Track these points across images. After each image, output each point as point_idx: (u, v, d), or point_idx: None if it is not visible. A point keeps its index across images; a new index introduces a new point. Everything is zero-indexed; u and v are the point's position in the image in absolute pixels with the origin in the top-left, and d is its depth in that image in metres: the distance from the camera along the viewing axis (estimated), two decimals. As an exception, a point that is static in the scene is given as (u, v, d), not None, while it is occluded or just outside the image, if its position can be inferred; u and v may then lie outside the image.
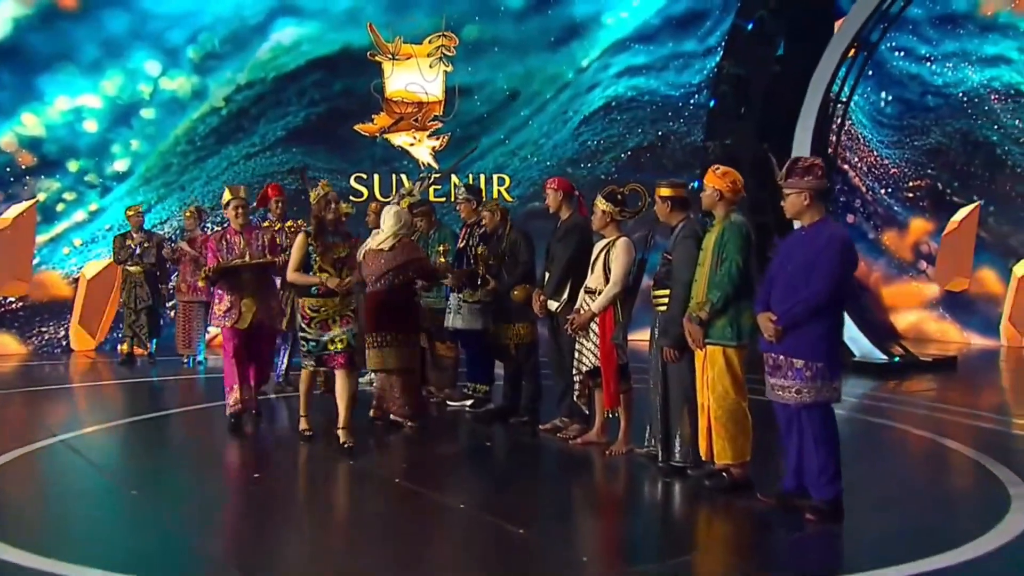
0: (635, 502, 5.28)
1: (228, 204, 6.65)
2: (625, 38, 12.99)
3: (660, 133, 12.98)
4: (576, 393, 5.95)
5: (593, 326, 5.75)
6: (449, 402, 7.51)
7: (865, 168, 13.33)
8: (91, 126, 11.30)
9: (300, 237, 6.04)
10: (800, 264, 4.39)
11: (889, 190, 13.30)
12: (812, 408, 4.38)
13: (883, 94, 13.07)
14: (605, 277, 5.71)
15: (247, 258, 6.47)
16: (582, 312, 5.83)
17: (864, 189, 13.46)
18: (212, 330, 11.24)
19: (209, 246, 6.63)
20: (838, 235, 4.45)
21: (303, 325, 6.00)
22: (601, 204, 5.79)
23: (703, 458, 5.00)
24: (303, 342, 6.05)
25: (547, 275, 6.32)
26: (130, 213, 10.14)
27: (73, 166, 11.29)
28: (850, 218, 13.24)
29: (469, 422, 7.03)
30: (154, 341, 10.33)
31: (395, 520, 4.63)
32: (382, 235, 6.35)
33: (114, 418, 7.34)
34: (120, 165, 11.49)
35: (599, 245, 5.87)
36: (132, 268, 10.04)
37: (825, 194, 4.64)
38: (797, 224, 4.64)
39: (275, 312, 6.94)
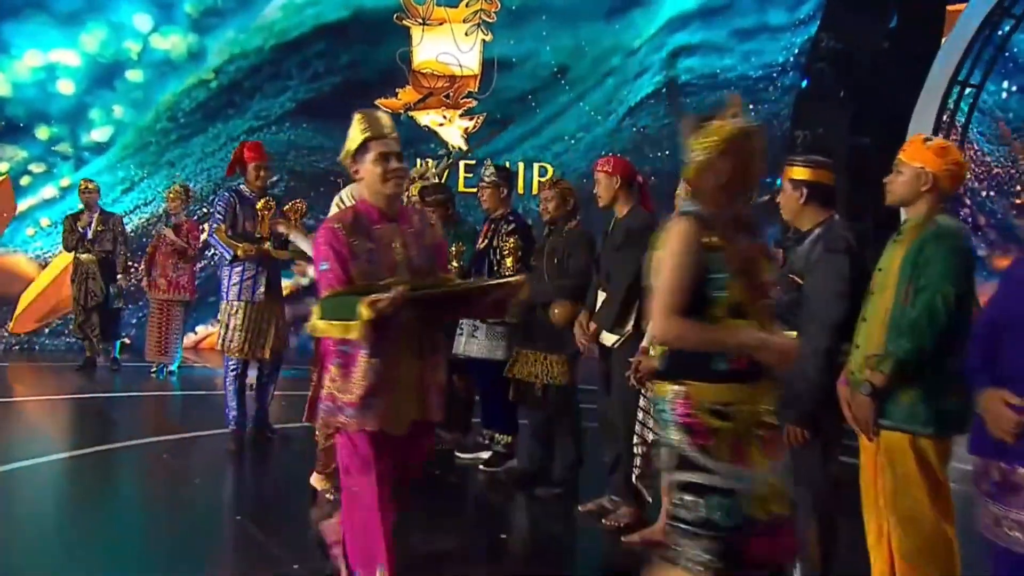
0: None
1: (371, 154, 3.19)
2: (697, 8, 11.02)
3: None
4: (637, 471, 4.07)
5: None
6: (459, 453, 5.68)
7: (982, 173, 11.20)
8: (66, 87, 9.79)
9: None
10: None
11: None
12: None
13: (1005, 84, 10.95)
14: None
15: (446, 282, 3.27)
16: (652, 354, 3.96)
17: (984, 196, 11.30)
18: (201, 329, 9.62)
19: (332, 247, 2.94)
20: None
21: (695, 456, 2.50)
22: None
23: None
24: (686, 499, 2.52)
25: (599, 295, 4.47)
26: (81, 187, 8.44)
27: (43, 133, 9.79)
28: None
29: (482, 486, 5.20)
30: (117, 344, 8.65)
31: None
32: None
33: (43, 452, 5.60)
34: (99, 134, 9.98)
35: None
36: (83, 256, 8.35)
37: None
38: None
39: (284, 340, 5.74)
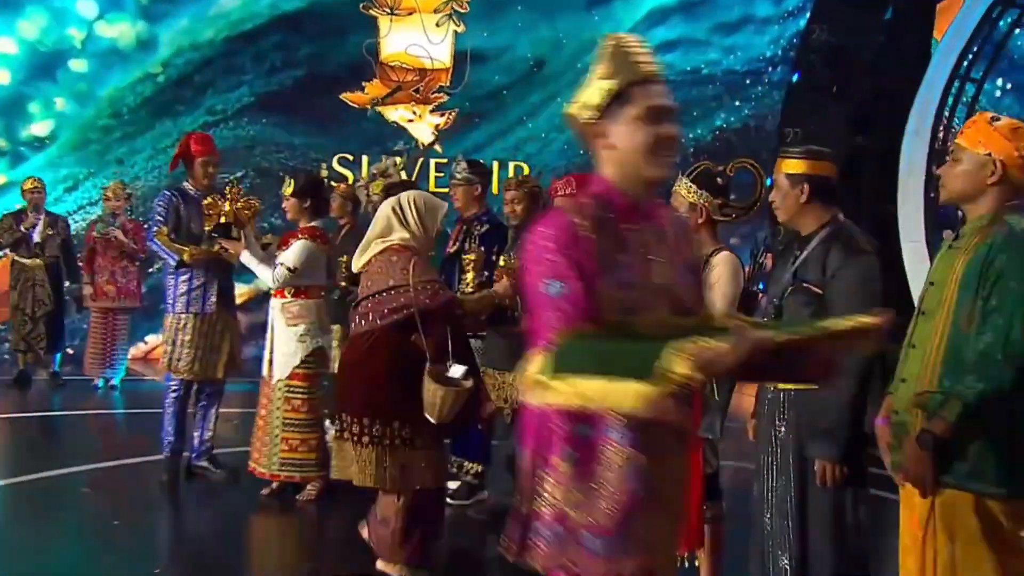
0: None
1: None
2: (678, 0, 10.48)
3: (722, 117, 10.42)
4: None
5: None
6: (424, 483, 5.05)
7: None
8: (2, 77, 9.07)
9: None
10: None
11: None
12: None
13: (1000, 81, 10.52)
14: None
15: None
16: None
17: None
18: (151, 339, 8.89)
19: (570, 255, 1.88)
20: None
21: None
22: (687, 192, 3.34)
23: None
24: None
25: None
26: (27, 187, 7.73)
27: None
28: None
29: (447, 523, 4.56)
30: (57, 356, 7.94)
31: None
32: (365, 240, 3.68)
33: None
34: (39, 128, 9.24)
35: None
36: (27, 261, 7.66)
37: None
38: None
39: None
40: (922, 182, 7.85)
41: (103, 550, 3.97)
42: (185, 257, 4.76)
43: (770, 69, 10.23)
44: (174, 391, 4.89)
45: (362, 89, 10.01)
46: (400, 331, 3.38)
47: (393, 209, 3.53)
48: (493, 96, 10.34)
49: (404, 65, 10.11)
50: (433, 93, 10.24)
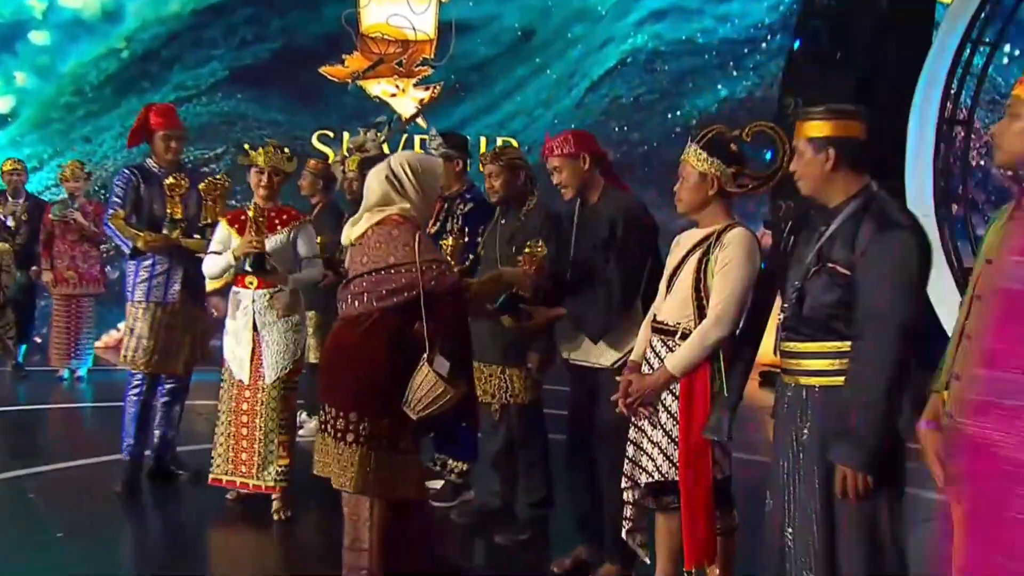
0: None
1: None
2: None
3: (719, 88, 9.98)
4: (628, 523, 3.09)
5: (669, 401, 2.91)
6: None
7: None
8: None
9: None
10: None
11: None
12: None
13: (1007, 48, 10.09)
14: (696, 304, 2.89)
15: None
16: (644, 372, 3.00)
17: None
18: (116, 332, 8.45)
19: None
20: None
21: None
22: (698, 160, 2.94)
23: None
24: None
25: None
26: (6, 168, 7.26)
27: None
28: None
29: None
30: (22, 347, 7.50)
31: None
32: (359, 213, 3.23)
33: None
34: (-1, 105, 8.68)
35: (684, 242, 3.03)
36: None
37: None
38: None
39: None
40: (931, 152, 7.46)
41: (39, 568, 3.52)
42: (139, 244, 4.30)
43: (769, 37, 9.79)
44: (136, 389, 4.48)
45: (342, 62, 9.57)
46: (399, 316, 2.97)
47: (387, 177, 3.09)
48: (479, 68, 9.90)
49: (386, 36, 9.66)
50: (417, 66, 9.81)
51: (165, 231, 4.37)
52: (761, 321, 2.95)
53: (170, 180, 4.31)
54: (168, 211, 4.35)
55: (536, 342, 3.78)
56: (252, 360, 4.06)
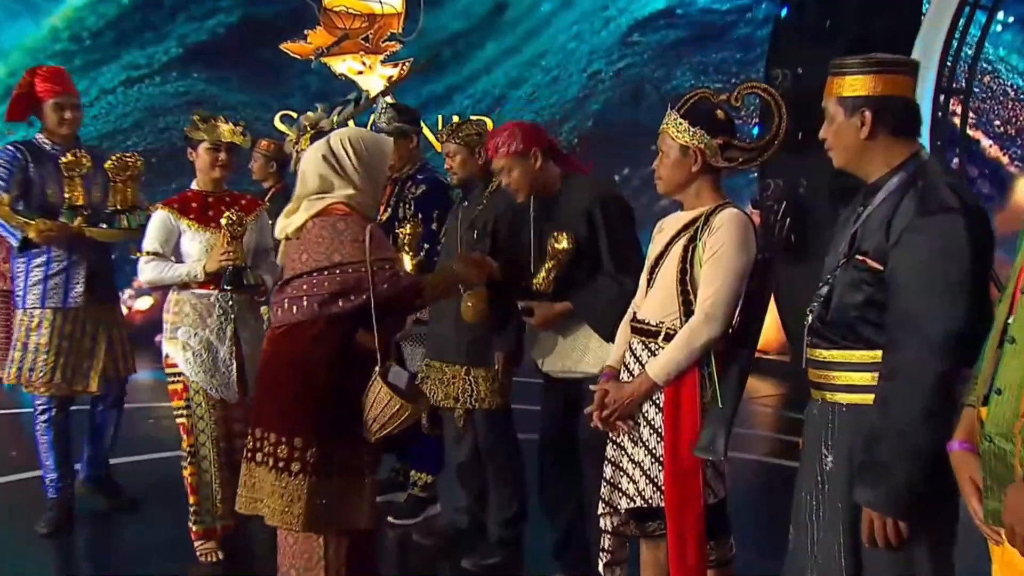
0: None
1: None
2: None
3: (696, 61, 9.49)
4: (604, 555, 2.66)
5: (651, 413, 2.49)
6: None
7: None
8: None
9: None
10: None
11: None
12: None
13: (1000, 15, 9.65)
14: (682, 299, 2.46)
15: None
16: (623, 380, 2.57)
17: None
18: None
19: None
20: None
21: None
22: (678, 131, 2.50)
23: None
24: None
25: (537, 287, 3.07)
26: None
27: None
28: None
29: (390, 548, 3.76)
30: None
31: None
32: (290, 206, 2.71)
33: None
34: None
35: (667, 227, 2.60)
36: None
37: None
38: None
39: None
40: (928, 123, 7.04)
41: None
42: (31, 234, 3.57)
43: (754, 6, 9.31)
44: (44, 415, 3.77)
45: (304, 38, 9.06)
46: (347, 323, 2.50)
47: (324, 157, 2.57)
48: (450, 42, 9.40)
49: (351, 10, 9.15)
50: (384, 41, 9.30)
51: (63, 219, 3.62)
52: (757, 317, 2.53)
53: (67, 158, 3.59)
54: (66, 196, 3.64)
55: (502, 339, 3.35)
56: (240, 378, 3.42)
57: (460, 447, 3.62)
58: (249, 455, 2.55)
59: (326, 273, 2.48)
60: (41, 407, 3.78)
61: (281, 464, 2.46)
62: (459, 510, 3.72)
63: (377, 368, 2.48)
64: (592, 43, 9.60)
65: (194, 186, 3.61)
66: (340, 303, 2.47)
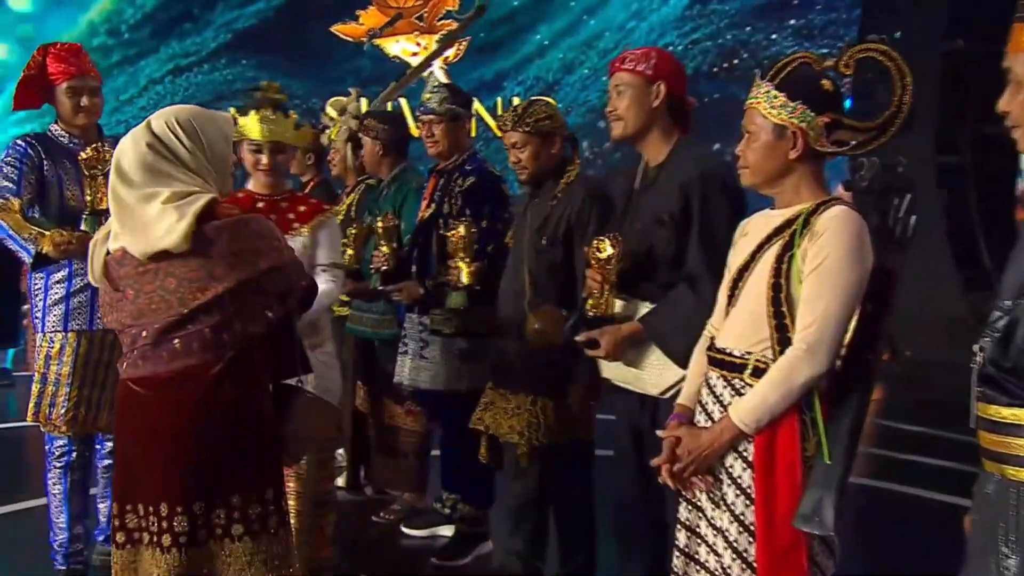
0: None
1: None
2: None
3: (784, 22, 8.77)
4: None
5: (737, 468, 1.98)
6: (407, 528, 3.78)
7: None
8: None
9: None
10: None
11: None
12: None
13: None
14: (776, 324, 1.95)
15: None
16: (699, 424, 2.05)
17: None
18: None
19: None
20: None
21: None
22: (772, 107, 1.96)
23: None
24: None
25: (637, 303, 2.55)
26: None
27: None
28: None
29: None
30: (10, 352, 6.85)
31: None
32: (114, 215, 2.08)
33: None
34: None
35: (755, 230, 2.08)
36: None
37: None
38: None
39: None
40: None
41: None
42: (45, 247, 2.99)
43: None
44: (60, 459, 3.19)
45: (356, 19, 8.67)
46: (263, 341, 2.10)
47: (149, 145, 2.01)
48: (509, 19, 8.90)
49: (404, -12, 8.74)
50: (439, 20, 8.86)
51: (84, 227, 3.09)
52: (874, 347, 1.98)
53: (87, 153, 3.05)
54: (88, 199, 3.10)
55: (579, 366, 2.82)
56: None
57: (519, 484, 3.11)
58: (154, 539, 1.98)
59: (255, 285, 2.02)
60: (59, 449, 3.19)
61: (255, 527, 2.01)
62: (513, 554, 3.22)
63: (296, 380, 2.16)
64: (651, 20, 8.96)
65: (249, 186, 3.00)
66: (269, 315, 2.04)
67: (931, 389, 5.86)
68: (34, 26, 8.03)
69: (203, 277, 1.98)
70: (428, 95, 3.63)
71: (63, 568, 3.17)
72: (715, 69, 8.63)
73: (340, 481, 4.03)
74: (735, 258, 2.11)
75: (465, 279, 3.18)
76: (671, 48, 8.95)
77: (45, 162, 3.16)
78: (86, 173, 3.07)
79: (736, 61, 8.22)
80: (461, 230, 3.15)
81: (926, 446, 4.96)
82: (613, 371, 2.64)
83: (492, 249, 3.23)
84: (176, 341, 1.98)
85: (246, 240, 2.01)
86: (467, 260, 3.15)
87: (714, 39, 8.85)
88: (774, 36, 8.64)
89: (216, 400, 2.01)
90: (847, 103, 2.25)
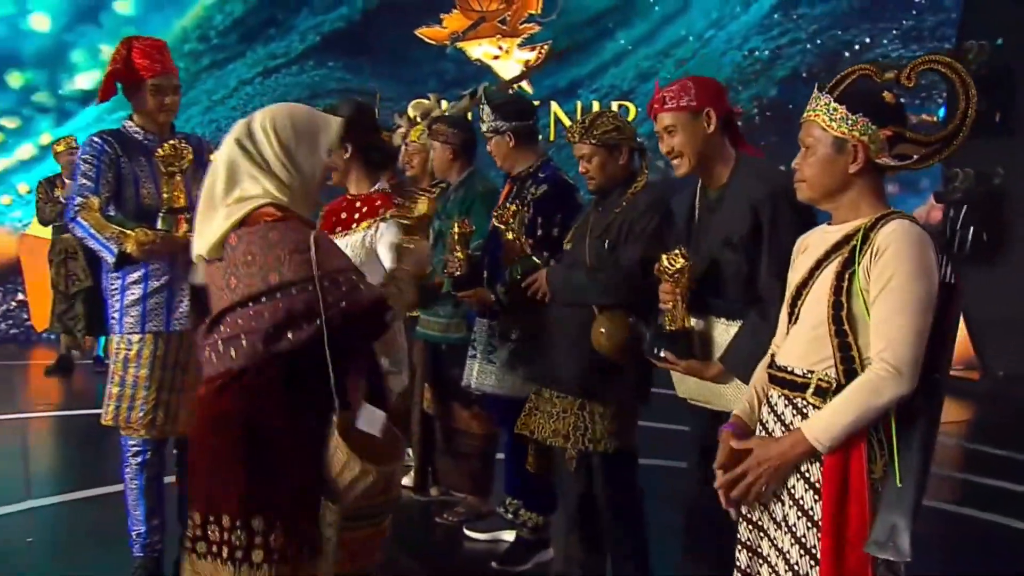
0: None
1: None
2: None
3: (875, 28, 8.49)
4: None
5: (800, 489, 1.91)
6: (469, 531, 3.80)
7: None
8: (41, 23, 8.44)
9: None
10: None
11: None
12: None
13: None
14: (838, 342, 1.89)
15: None
16: (762, 431, 2.00)
17: None
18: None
19: None
20: None
21: None
22: (832, 120, 1.90)
23: None
24: None
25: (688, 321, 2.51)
26: (59, 149, 6.87)
27: (16, 80, 8.48)
28: None
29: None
30: (101, 340, 7.15)
31: None
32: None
33: None
34: (84, 80, 8.52)
35: (813, 246, 2.02)
36: (65, 234, 6.77)
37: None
38: None
39: None
40: None
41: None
42: (129, 247, 2.97)
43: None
44: (137, 458, 3.18)
45: (439, 23, 8.75)
46: (298, 362, 1.92)
47: (238, 142, 1.98)
48: (594, 22, 8.84)
49: (488, -9, 8.80)
50: (522, 23, 8.87)
51: (161, 226, 3.03)
52: (942, 363, 1.91)
53: (165, 150, 3.00)
54: (164, 196, 3.06)
55: (628, 370, 2.80)
56: None
57: (570, 490, 3.10)
58: (190, 546, 1.97)
59: (264, 301, 1.89)
60: (135, 448, 3.19)
61: (236, 553, 1.91)
62: (572, 560, 3.20)
63: (335, 417, 1.92)
64: (729, 29, 8.78)
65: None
66: (289, 336, 1.87)
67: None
68: (136, 28, 8.36)
69: (222, 286, 1.95)
70: (481, 116, 3.65)
71: (140, 555, 3.22)
72: (814, 71, 8.38)
73: (407, 481, 4.07)
74: (794, 275, 2.05)
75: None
76: (756, 53, 8.77)
77: (122, 159, 3.12)
78: (163, 170, 3.04)
79: (838, 63, 7.96)
80: (512, 207, 3.17)
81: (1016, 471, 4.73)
82: (689, 388, 2.59)
83: (549, 254, 3.21)
84: (206, 349, 1.96)
85: (258, 251, 1.91)
86: (523, 241, 3.16)
87: (812, 41, 8.63)
88: (873, 38, 8.38)
89: (211, 413, 1.96)
90: (941, 111, 2.17)
